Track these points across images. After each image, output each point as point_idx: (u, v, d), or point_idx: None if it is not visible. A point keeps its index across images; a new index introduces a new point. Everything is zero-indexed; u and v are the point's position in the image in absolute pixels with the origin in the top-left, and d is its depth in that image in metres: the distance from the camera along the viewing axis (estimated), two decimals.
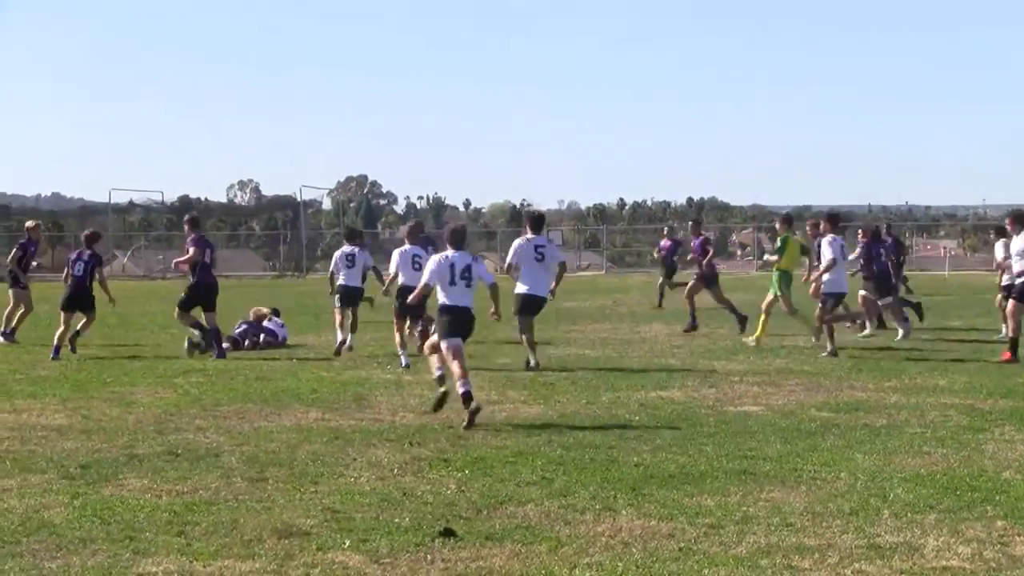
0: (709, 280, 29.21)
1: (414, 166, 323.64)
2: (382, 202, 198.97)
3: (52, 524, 9.96)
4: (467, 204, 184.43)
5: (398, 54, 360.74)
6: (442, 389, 15.25)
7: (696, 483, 11.38)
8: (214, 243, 24.78)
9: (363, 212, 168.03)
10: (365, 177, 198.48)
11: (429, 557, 8.95)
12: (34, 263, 28.37)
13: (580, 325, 29.10)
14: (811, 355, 22.22)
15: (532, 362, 20.63)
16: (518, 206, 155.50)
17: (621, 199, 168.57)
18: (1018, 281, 21.06)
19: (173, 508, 10.49)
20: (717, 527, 9.76)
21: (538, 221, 22.48)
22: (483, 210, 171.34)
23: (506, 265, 22.28)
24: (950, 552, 9.02)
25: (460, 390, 14.84)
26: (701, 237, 30.31)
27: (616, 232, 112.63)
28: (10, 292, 27.17)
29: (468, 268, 15.62)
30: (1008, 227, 22.26)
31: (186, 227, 24.55)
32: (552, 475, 11.74)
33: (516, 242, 21.80)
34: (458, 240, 16.08)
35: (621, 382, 18.60)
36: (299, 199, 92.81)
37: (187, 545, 9.30)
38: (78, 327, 23.64)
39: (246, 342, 24.73)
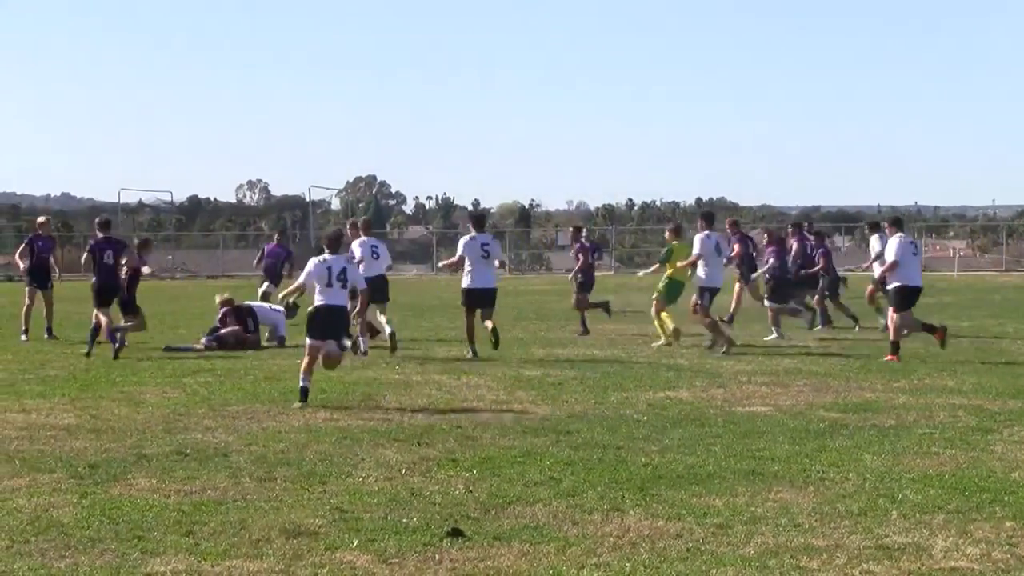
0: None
1: (423, 166, 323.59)
2: (391, 202, 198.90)
3: (61, 523, 9.97)
4: (476, 204, 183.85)
5: (407, 54, 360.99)
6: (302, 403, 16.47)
7: (704, 483, 11.38)
8: (113, 246, 24.84)
9: (372, 212, 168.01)
10: (374, 177, 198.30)
11: (437, 557, 8.96)
12: (55, 270, 28.43)
13: (589, 325, 29.06)
14: (819, 355, 22.20)
15: (470, 353, 22.61)
16: (527, 206, 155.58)
17: (630, 199, 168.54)
18: None
19: (181, 508, 10.50)
20: (725, 527, 9.76)
21: (480, 220, 25.10)
22: (492, 210, 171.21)
23: (455, 259, 23.62)
24: (959, 553, 9.01)
25: (301, 383, 16.59)
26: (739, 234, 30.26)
27: (625, 232, 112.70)
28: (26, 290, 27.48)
29: (344, 271, 17.38)
30: None
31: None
32: (560, 475, 11.74)
33: (463, 240, 23.52)
34: (334, 245, 17.78)
35: (629, 382, 18.60)
36: (308, 199, 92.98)
37: (195, 545, 9.31)
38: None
39: (224, 331, 24.81)
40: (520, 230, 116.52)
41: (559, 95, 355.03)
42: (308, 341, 17.07)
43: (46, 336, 26.95)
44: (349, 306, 18.66)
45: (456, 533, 9.52)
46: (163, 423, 15.01)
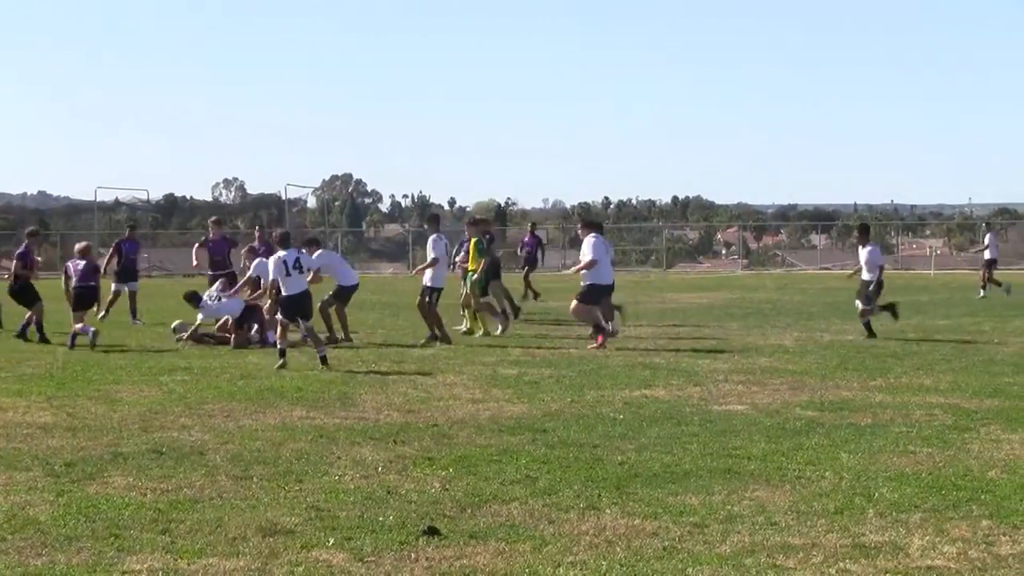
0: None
1: (399, 164, 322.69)
2: (367, 200, 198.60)
3: (37, 521, 9.95)
4: (452, 202, 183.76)
5: (383, 52, 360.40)
6: (282, 361, 20.50)
7: (681, 482, 11.39)
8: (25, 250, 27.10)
9: (348, 210, 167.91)
10: (350, 175, 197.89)
11: (413, 555, 8.96)
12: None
13: (564, 324, 29.07)
14: (796, 354, 22.24)
15: (432, 334, 24.85)
16: (503, 204, 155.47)
17: (606, 198, 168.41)
18: None
19: (158, 506, 10.48)
20: (701, 526, 9.77)
21: (435, 219, 27.10)
22: (468, 208, 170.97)
23: (433, 258, 25.28)
24: (935, 551, 9.04)
25: (278, 345, 20.97)
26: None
27: None
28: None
29: (297, 260, 21.20)
30: None
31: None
32: (536, 474, 11.75)
33: (432, 238, 25.41)
34: (285, 241, 21.61)
35: (606, 381, 18.60)
36: (284, 197, 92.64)
37: (172, 543, 9.30)
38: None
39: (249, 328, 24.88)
40: (496, 228, 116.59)
41: (535, 93, 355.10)
42: (279, 318, 21.17)
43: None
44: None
45: (432, 531, 9.52)
46: (139, 421, 14.98)
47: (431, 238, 25.55)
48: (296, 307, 21.03)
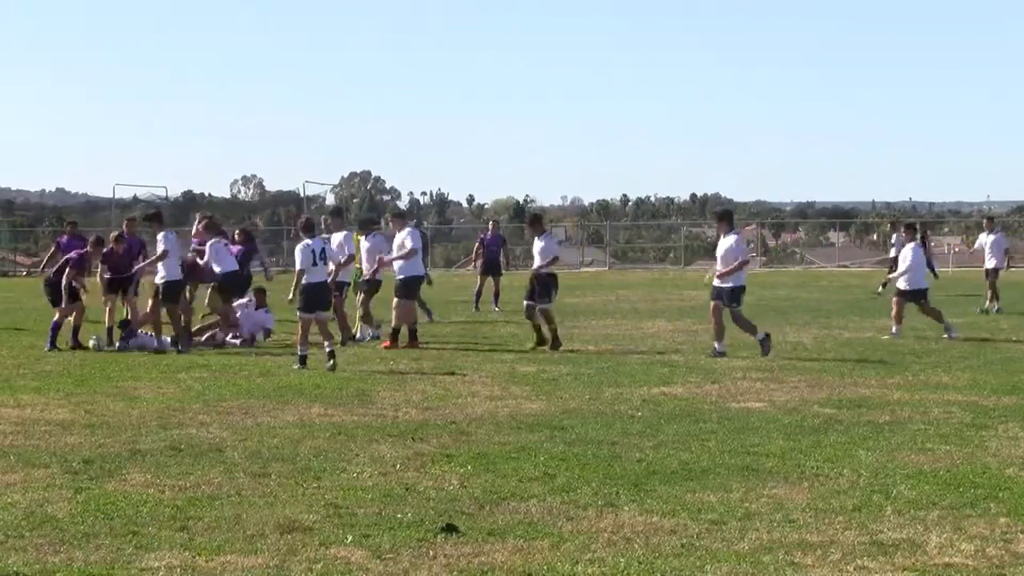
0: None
1: (418, 162, 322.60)
2: (385, 198, 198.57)
3: (55, 518, 9.98)
4: (471, 200, 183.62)
5: (402, 49, 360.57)
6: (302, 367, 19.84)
7: (699, 479, 11.39)
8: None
9: (366, 208, 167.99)
10: (369, 173, 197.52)
11: (431, 553, 8.96)
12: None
13: (583, 321, 29.09)
14: (815, 352, 22.21)
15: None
16: (521, 202, 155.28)
17: (624, 195, 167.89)
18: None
19: (176, 503, 10.50)
20: (719, 523, 9.77)
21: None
22: (486, 206, 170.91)
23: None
24: (953, 549, 9.03)
25: (299, 351, 20.09)
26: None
27: (619, 228, 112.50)
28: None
29: (323, 251, 20.87)
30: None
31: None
32: (555, 471, 11.75)
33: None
34: (310, 229, 21.06)
35: (624, 378, 18.60)
36: (303, 194, 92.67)
37: (190, 540, 9.32)
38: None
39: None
40: (515, 226, 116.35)
41: (554, 90, 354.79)
42: (301, 315, 20.29)
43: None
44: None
45: (450, 529, 9.52)
46: (158, 418, 15.01)
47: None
48: (318, 297, 20.45)
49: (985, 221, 36.86)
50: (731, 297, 22.13)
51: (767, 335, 21.76)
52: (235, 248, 26.17)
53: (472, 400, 16.47)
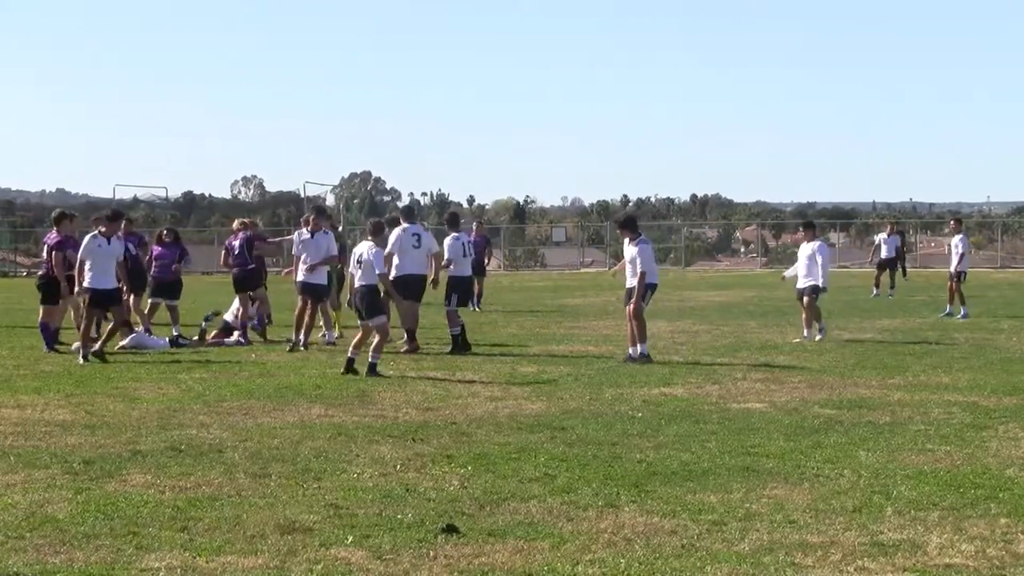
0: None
1: (418, 162, 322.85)
2: (386, 198, 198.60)
3: (56, 519, 9.97)
4: (471, 200, 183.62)
5: (402, 50, 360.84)
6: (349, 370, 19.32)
7: (699, 480, 11.39)
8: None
9: (367, 208, 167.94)
10: (369, 173, 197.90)
11: (431, 553, 8.96)
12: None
13: (584, 321, 29.10)
14: (815, 352, 22.22)
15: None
16: (522, 203, 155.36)
17: (625, 196, 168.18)
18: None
19: (176, 504, 10.50)
20: (720, 524, 9.77)
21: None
22: (487, 207, 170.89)
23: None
24: (953, 549, 9.03)
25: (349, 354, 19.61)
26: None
27: None
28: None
29: (360, 256, 19.86)
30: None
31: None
32: (555, 472, 11.75)
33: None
34: (378, 231, 20.48)
35: (624, 379, 18.60)
36: (303, 195, 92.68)
37: (190, 541, 9.32)
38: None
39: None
40: (515, 226, 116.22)
41: (555, 91, 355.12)
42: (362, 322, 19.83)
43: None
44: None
45: (451, 529, 9.52)
46: (158, 419, 15.00)
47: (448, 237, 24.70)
48: (371, 302, 19.74)
49: (952, 223, 34.98)
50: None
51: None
52: (156, 249, 25.92)
53: (472, 401, 16.47)
